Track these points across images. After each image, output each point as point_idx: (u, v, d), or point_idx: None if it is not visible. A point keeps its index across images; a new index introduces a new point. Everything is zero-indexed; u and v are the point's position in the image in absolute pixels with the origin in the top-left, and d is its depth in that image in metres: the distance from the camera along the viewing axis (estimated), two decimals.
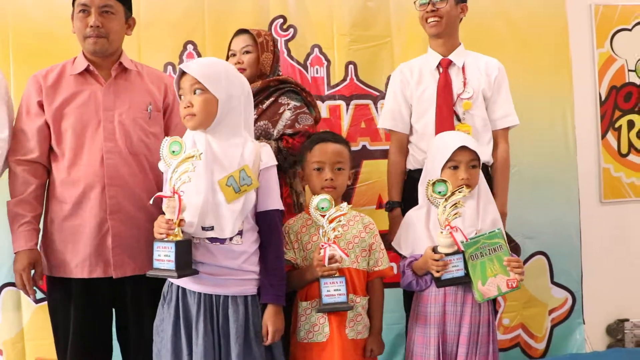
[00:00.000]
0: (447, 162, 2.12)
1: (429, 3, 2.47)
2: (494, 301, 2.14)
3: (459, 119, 2.43)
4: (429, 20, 2.48)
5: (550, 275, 3.23)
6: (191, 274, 1.84)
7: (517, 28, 3.16)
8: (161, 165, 1.95)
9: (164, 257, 1.78)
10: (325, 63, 2.99)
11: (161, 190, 1.93)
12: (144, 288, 2.06)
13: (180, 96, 1.91)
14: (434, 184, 2.06)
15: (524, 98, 3.03)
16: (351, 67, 3.01)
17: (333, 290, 1.97)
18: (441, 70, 2.49)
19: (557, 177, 3.18)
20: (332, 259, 1.97)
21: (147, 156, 2.13)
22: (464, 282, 2.04)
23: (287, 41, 2.98)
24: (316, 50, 2.99)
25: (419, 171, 2.34)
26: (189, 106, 1.86)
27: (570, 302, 3.24)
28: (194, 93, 1.86)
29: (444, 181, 2.05)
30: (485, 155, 2.44)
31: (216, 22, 2.91)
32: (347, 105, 3.00)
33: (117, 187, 2.06)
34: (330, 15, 2.99)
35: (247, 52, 2.50)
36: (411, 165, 2.52)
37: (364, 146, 3.00)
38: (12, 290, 2.77)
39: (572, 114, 3.20)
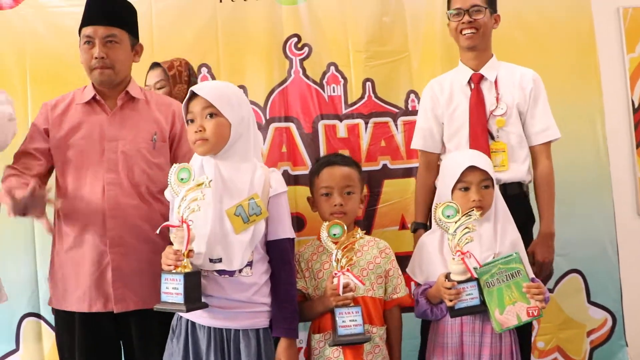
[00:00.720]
0: (456, 183, 2.01)
1: (464, 13, 2.35)
2: (520, 328, 2.01)
3: (492, 137, 2.33)
4: (465, 32, 2.36)
5: (586, 294, 3.05)
6: (201, 307, 1.77)
7: (537, 34, 3.00)
8: (167, 194, 1.90)
9: (172, 289, 1.72)
10: (342, 81, 2.91)
11: (166, 221, 1.88)
12: (150, 322, 2.00)
13: (188, 121, 1.86)
14: (441, 207, 1.95)
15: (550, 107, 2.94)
16: (369, 84, 2.92)
17: (348, 320, 1.87)
18: (472, 86, 2.38)
19: (590, 189, 3.01)
20: (346, 287, 1.88)
21: (150, 187, 2.07)
22: (480, 311, 1.92)
23: (302, 60, 2.91)
24: (332, 68, 2.92)
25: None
26: (200, 130, 1.80)
27: (610, 322, 3.05)
28: (206, 117, 1.81)
29: (453, 204, 1.95)
30: (521, 173, 2.33)
31: (230, 44, 2.87)
32: (366, 123, 2.91)
33: (117, 219, 2.01)
34: (345, 32, 2.91)
35: (160, 87, 2.52)
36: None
37: (384, 165, 2.90)
38: (33, 321, 2.78)
39: (603, 123, 3.03)
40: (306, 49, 2.91)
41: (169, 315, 1.89)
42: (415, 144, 2.51)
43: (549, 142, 2.40)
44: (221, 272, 1.81)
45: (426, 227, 2.39)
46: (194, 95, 1.84)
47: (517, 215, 2.12)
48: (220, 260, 1.79)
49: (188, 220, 1.73)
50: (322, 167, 2.08)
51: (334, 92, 2.91)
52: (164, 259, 1.77)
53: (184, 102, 1.88)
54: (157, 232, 1.80)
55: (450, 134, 2.39)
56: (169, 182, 1.78)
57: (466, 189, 2.02)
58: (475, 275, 1.91)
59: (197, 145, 1.82)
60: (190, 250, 1.75)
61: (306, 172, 2.74)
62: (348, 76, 2.92)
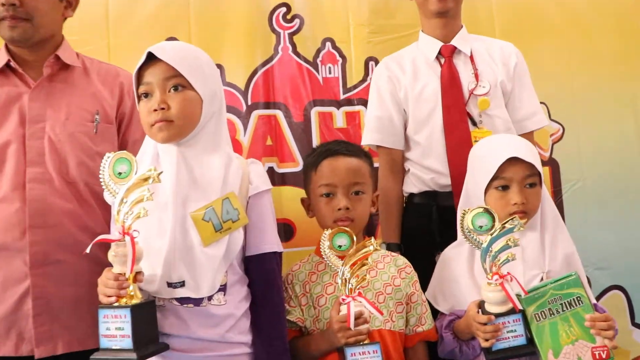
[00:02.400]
0: (492, 179, 1.59)
1: None
2: None
3: (474, 123, 1.91)
4: None
5: (630, 315, 2.70)
6: (158, 351, 1.35)
7: (573, 11, 2.68)
8: (106, 196, 1.44)
9: (114, 330, 1.29)
10: (340, 60, 2.58)
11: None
12: None
13: (142, 95, 1.42)
14: (471, 215, 1.50)
15: (584, 96, 2.66)
16: (372, 64, 2.57)
17: None
18: (443, 60, 1.96)
19: (631, 192, 2.66)
20: (359, 317, 1.44)
21: (91, 184, 1.60)
22: (527, 353, 1.49)
23: (291, 35, 2.54)
24: (328, 44, 2.58)
25: (426, 195, 1.92)
26: (163, 108, 1.38)
27: None
28: (170, 90, 1.40)
29: (487, 211, 1.50)
30: None
31: (204, 13, 2.47)
32: None
33: (43, 228, 1.52)
34: (345, 1, 2.58)
35: None
36: (413, 186, 1.98)
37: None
38: None
39: None
40: (297, 21, 2.56)
41: None
42: (369, 139, 2.07)
43: (534, 131, 2.05)
44: (184, 301, 1.39)
45: (400, 247, 1.96)
46: (150, 59, 1.41)
47: None
48: (182, 284, 1.38)
49: (132, 231, 1.30)
50: (321, 158, 1.63)
51: (330, 73, 2.58)
52: (100, 287, 1.35)
53: (135, 70, 1.43)
54: (87, 251, 1.33)
55: (419, 122, 1.96)
56: (101, 180, 1.33)
57: (505, 187, 1.60)
58: (520, 307, 1.48)
59: (158, 128, 1.40)
60: (138, 273, 1.33)
61: (296, 169, 2.45)
62: (347, 54, 2.59)
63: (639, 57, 2.68)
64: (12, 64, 1.57)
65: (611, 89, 2.65)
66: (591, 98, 2.62)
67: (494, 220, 1.49)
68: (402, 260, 1.65)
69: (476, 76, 1.94)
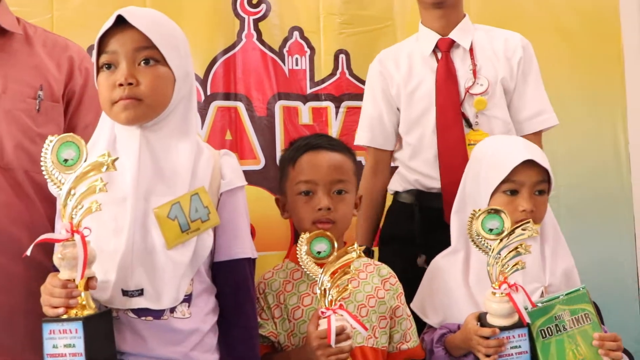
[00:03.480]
0: (502, 182, 1.51)
1: None
2: None
3: (469, 125, 1.82)
4: None
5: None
6: None
7: (551, 10, 2.63)
8: (52, 188, 1.26)
9: (63, 348, 1.12)
10: (308, 51, 2.49)
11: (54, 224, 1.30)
12: None
13: (104, 66, 1.25)
14: (482, 216, 1.42)
15: (559, 101, 2.50)
16: (342, 57, 2.50)
17: None
18: (440, 55, 1.87)
19: (607, 204, 2.64)
20: (340, 333, 1.30)
21: (32, 172, 1.40)
22: None
23: (256, 21, 2.41)
24: (296, 34, 2.48)
25: (410, 193, 1.83)
26: (131, 83, 1.22)
27: None
28: (140, 63, 1.24)
29: (499, 212, 1.41)
30: None
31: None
32: (337, 107, 2.47)
33: None
34: None
35: None
36: (398, 185, 1.91)
37: (360, 163, 2.37)
38: None
39: (625, 124, 2.65)
40: (263, 7, 2.43)
41: None
42: (360, 139, 2.00)
43: (541, 131, 1.95)
44: (141, 313, 1.22)
45: (371, 252, 1.86)
46: (117, 25, 1.24)
47: None
48: (140, 292, 1.21)
49: (82, 229, 1.13)
50: (300, 152, 1.50)
51: (297, 64, 2.48)
52: (45, 297, 1.17)
53: (98, 35, 1.25)
54: (28, 253, 1.15)
55: (411, 122, 1.87)
56: (42, 168, 1.15)
57: (513, 192, 1.52)
58: (528, 320, 1.40)
59: (122, 106, 1.23)
60: (90, 278, 1.15)
61: (257, 167, 2.36)
62: (316, 46, 2.49)
63: (616, 63, 2.65)
64: None
65: (588, 95, 2.61)
66: (566, 104, 2.52)
67: (505, 224, 1.40)
68: (386, 270, 1.53)
69: (474, 73, 1.84)
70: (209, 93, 2.34)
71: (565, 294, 1.45)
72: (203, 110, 2.30)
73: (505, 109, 1.86)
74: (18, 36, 1.45)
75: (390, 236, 1.89)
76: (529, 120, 1.90)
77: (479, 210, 1.42)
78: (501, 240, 1.39)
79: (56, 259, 1.12)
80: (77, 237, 1.10)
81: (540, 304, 1.44)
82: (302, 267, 1.37)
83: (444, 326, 1.53)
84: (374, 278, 1.50)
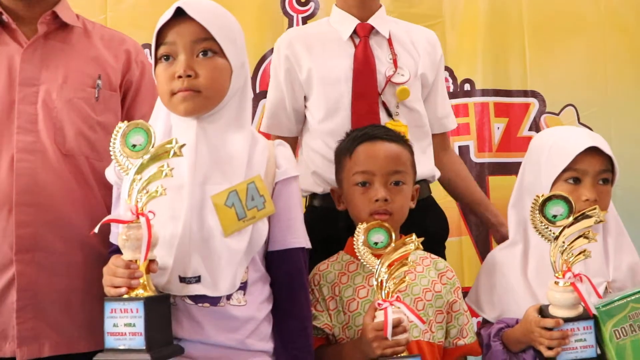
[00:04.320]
0: (564, 171, 1.47)
1: None
2: None
3: (389, 114, 1.72)
4: None
5: None
6: (173, 355, 1.19)
7: (609, 8, 2.57)
8: (110, 174, 1.31)
9: (123, 327, 1.13)
10: None
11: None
12: None
13: (162, 57, 1.27)
14: (545, 202, 1.36)
15: (618, 101, 2.54)
16: None
17: None
18: (358, 40, 1.76)
19: None
20: (397, 326, 1.28)
21: (92, 159, 1.44)
22: None
23: (306, 19, 2.42)
24: None
25: (328, 197, 1.62)
26: (190, 75, 1.24)
27: None
28: (199, 55, 1.26)
29: (563, 198, 1.36)
30: (428, 167, 1.78)
31: None
32: None
33: (33, 207, 1.35)
34: None
35: None
36: (316, 186, 1.74)
37: None
38: None
39: None
40: (312, 5, 2.45)
41: None
42: (263, 126, 1.88)
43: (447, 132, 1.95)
44: (198, 300, 1.24)
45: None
46: (176, 17, 1.26)
47: (428, 228, 1.60)
48: (198, 279, 1.22)
49: (147, 212, 1.14)
50: (357, 142, 1.48)
51: None
52: (107, 277, 1.18)
53: (157, 27, 1.27)
54: (95, 230, 1.18)
55: (324, 110, 1.74)
56: (112, 153, 1.16)
57: (576, 180, 1.48)
58: (594, 311, 1.35)
59: (181, 98, 1.25)
60: (152, 261, 1.16)
61: None
62: None
63: None
64: (5, 17, 1.40)
65: (625, 99, 2.53)
66: (626, 104, 2.52)
67: (570, 210, 1.35)
68: (442, 264, 1.51)
69: (394, 62, 1.74)
70: (257, 91, 2.36)
71: (634, 293, 1.37)
72: (252, 108, 2.30)
73: (422, 102, 1.80)
74: (78, 30, 1.49)
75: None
76: (443, 119, 1.87)
77: (542, 195, 1.37)
78: (566, 227, 1.35)
79: (120, 240, 1.14)
80: (142, 219, 1.11)
81: (611, 302, 1.37)
82: (359, 257, 1.35)
83: (501, 320, 1.50)
84: (431, 271, 1.48)
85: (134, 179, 1.13)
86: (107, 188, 1.38)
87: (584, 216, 1.35)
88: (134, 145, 1.14)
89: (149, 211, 1.13)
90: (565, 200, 1.35)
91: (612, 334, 1.35)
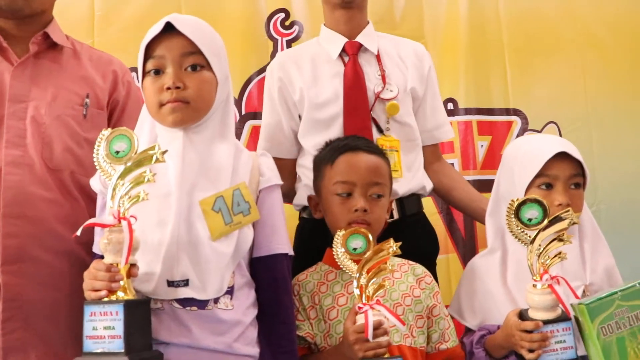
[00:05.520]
0: (536, 177, 1.53)
1: None
2: None
3: (380, 130, 1.78)
4: None
5: None
6: (152, 359, 1.22)
7: (587, 28, 2.67)
8: (94, 183, 1.37)
9: (102, 330, 1.16)
10: None
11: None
12: None
13: (151, 72, 1.34)
14: (519, 207, 1.41)
15: (599, 117, 2.62)
16: None
17: None
18: (347, 59, 1.81)
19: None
20: (378, 328, 1.33)
21: (78, 174, 1.50)
22: None
23: (290, 42, 2.48)
24: None
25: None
26: (178, 87, 1.31)
27: None
28: (187, 68, 1.33)
29: (537, 202, 1.41)
30: (419, 182, 1.81)
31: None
32: None
33: (20, 219, 1.41)
34: None
35: None
36: (304, 199, 1.73)
37: None
38: None
39: None
40: (296, 28, 2.50)
41: None
42: (259, 148, 1.90)
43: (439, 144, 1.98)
44: (186, 303, 1.29)
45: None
46: (164, 32, 1.34)
47: (419, 244, 1.67)
48: (186, 283, 1.28)
49: (129, 217, 1.20)
50: (339, 152, 1.55)
51: None
52: (88, 281, 1.23)
53: (145, 41, 1.35)
54: (78, 233, 1.23)
55: (315, 129, 1.79)
56: (95, 159, 1.23)
57: (548, 186, 1.53)
58: (572, 312, 1.39)
59: (170, 109, 1.32)
60: (132, 266, 1.21)
61: None
62: None
63: None
64: None
65: (629, 111, 2.63)
66: (607, 119, 2.59)
67: (544, 213, 1.40)
68: (420, 269, 1.57)
69: (383, 78, 1.80)
70: (243, 112, 2.42)
71: (620, 291, 1.40)
72: (238, 130, 2.35)
73: (413, 116, 1.85)
74: (67, 50, 1.57)
75: (298, 258, 1.57)
76: (434, 131, 1.90)
77: (517, 199, 1.42)
78: (541, 230, 1.38)
79: (102, 244, 1.19)
80: (123, 223, 1.17)
81: (598, 299, 1.38)
82: (338, 263, 1.40)
83: (483, 327, 1.53)
84: (409, 277, 1.53)
85: (116, 184, 1.19)
86: (93, 202, 1.45)
87: (558, 219, 1.39)
88: (117, 152, 1.21)
89: (131, 216, 1.19)
90: (540, 203, 1.40)
91: (599, 331, 1.36)
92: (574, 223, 1.40)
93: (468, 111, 2.57)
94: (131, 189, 1.19)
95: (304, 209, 1.81)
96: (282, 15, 2.48)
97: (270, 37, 2.47)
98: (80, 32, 2.27)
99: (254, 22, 2.46)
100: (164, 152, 1.20)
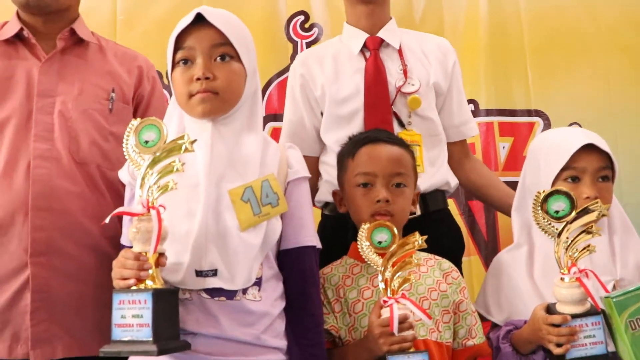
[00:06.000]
0: (562, 170, 1.51)
1: None
2: None
3: (402, 125, 1.77)
4: None
5: None
6: (179, 349, 1.22)
7: (610, 29, 2.65)
8: (123, 174, 1.38)
9: (131, 319, 1.16)
10: None
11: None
12: None
13: (180, 62, 1.34)
14: (546, 199, 1.40)
15: (623, 119, 2.60)
16: None
17: None
18: (368, 54, 1.81)
19: None
20: (403, 322, 1.32)
21: (103, 168, 1.53)
22: None
23: (309, 44, 2.50)
24: None
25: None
26: (208, 78, 1.31)
27: None
28: (216, 59, 1.34)
29: (565, 194, 1.40)
30: (442, 176, 1.80)
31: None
32: None
33: (48, 212, 1.44)
34: None
35: None
36: (328, 195, 1.75)
37: None
38: None
39: None
40: (315, 30, 2.54)
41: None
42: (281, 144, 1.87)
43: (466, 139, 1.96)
44: (214, 294, 1.28)
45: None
46: (194, 23, 1.34)
47: (444, 241, 1.66)
48: (214, 272, 1.27)
49: (158, 206, 1.20)
50: (360, 145, 1.55)
51: None
52: (116, 270, 1.22)
53: (175, 32, 1.36)
54: (107, 220, 1.23)
55: (337, 124, 1.79)
56: (125, 149, 1.23)
57: (575, 179, 1.52)
58: (602, 306, 1.37)
59: (199, 100, 1.32)
60: (161, 255, 1.21)
61: None
62: None
63: None
64: (26, 32, 1.52)
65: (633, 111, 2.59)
66: (632, 120, 2.58)
67: (572, 205, 1.38)
68: (447, 264, 1.56)
69: (404, 73, 1.79)
70: (264, 114, 2.42)
71: None
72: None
73: (436, 111, 1.83)
74: (93, 46, 1.61)
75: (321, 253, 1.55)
76: (461, 127, 1.89)
77: (544, 191, 1.40)
78: (569, 222, 1.37)
79: (131, 233, 1.19)
80: (152, 212, 1.17)
81: (625, 292, 1.35)
82: (363, 257, 1.40)
83: (509, 322, 1.53)
84: (435, 271, 1.52)
85: (145, 174, 1.20)
86: (119, 196, 1.47)
87: (587, 211, 1.38)
88: (147, 142, 1.21)
89: (160, 205, 1.19)
90: (567, 195, 1.39)
91: (627, 325, 1.34)
92: (603, 215, 1.39)
93: (489, 112, 2.57)
94: (160, 179, 1.19)
95: (325, 205, 1.81)
96: (302, 17, 2.51)
97: (290, 39, 2.51)
98: (103, 35, 2.33)
99: (274, 25, 2.50)
100: (193, 142, 1.20)
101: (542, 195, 1.40)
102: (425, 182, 1.73)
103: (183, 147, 1.19)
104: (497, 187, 1.93)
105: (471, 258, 2.49)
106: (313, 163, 1.83)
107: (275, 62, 2.47)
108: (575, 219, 1.38)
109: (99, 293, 1.42)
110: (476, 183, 1.93)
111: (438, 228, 1.70)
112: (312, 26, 2.52)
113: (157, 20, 2.42)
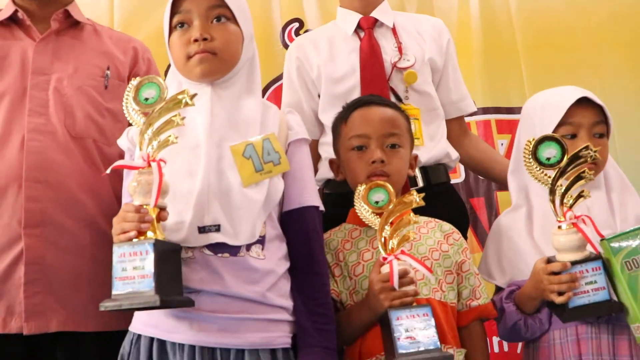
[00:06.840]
0: (557, 127, 1.51)
1: None
2: None
3: (399, 100, 1.78)
4: None
5: None
6: (183, 304, 1.21)
7: (597, 25, 2.71)
8: (122, 141, 1.40)
9: (132, 271, 1.15)
10: None
11: (119, 196, 1.41)
12: (84, 351, 1.44)
13: (177, 25, 1.37)
14: (537, 145, 1.40)
15: (621, 110, 2.55)
16: None
17: (414, 329, 1.27)
18: (362, 34, 1.85)
19: None
20: (403, 276, 1.31)
21: (100, 143, 1.55)
22: (611, 311, 1.35)
23: None
24: None
25: (342, 185, 1.62)
26: (206, 38, 1.33)
27: None
28: (213, 21, 1.36)
29: (555, 140, 1.40)
30: (442, 148, 1.81)
31: None
32: None
33: (42, 184, 1.44)
34: None
35: None
36: (329, 172, 1.72)
37: None
38: None
39: None
40: None
41: (118, 337, 1.34)
42: None
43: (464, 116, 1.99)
44: (218, 250, 1.27)
45: None
46: None
47: (447, 215, 1.64)
48: (217, 228, 1.26)
49: (159, 160, 1.21)
50: (352, 109, 1.56)
51: None
52: (117, 225, 1.21)
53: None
54: (108, 171, 1.24)
55: (334, 105, 1.78)
56: (124, 108, 1.25)
57: (572, 136, 1.52)
58: (601, 250, 1.36)
59: (197, 60, 1.34)
60: (162, 210, 1.21)
61: None
62: None
63: None
64: (20, 14, 1.57)
65: (630, 107, 2.61)
66: (625, 117, 2.56)
67: (563, 152, 1.38)
68: (448, 226, 1.55)
69: (399, 49, 1.82)
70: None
71: None
72: None
73: (433, 87, 1.86)
74: (88, 28, 1.65)
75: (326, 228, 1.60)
76: (458, 103, 1.92)
77: (533, 138, 1.40)
78: (563, 169, 1.37)
79: (131, 186, 1.20)
80: (153, 164, 1.18)
81: (620, 234, 1.36)
82: (361, 217, 1.40)
83: (513, 283, 1.52)
84: (436, 233, 1.52)
85: (145, 129, 1.21)
86: (115, 172, 1.47)
87: (577, 157, 1.38)
88: (147, 99, 1.22)
89: (160, 159, 1.20)
90: (557, 141, 1.39)
91: (623, 265, 1.34)
92: (594, 159, 1.39)
93: (486, 110, 2.60)
94: (160, 133, 1.20)
95: (326, 184, 1.82)
96: (297, 24, 2.56)
97: (285, 46, 2.54)
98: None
99: (269, 32, 2.54)
100: (193, 96, 1.21)
101: (533, 143, 1.40)
102: (426, 154, 1.75)
103: (183, 102, 1.20)
104: (497, 161, 1.96)
105: (474, 255, 2.47)
106: (313, 147, 1.81)
107: (270, 68, 2.49)
108: (567, 165, 1.39)
109: (95, 269, 1.42)
110: (476, 158, 1.95)
111: (441, 201, 1.71)
112: (306, 32, 2.53)
113: (154, 29, 2.43)
